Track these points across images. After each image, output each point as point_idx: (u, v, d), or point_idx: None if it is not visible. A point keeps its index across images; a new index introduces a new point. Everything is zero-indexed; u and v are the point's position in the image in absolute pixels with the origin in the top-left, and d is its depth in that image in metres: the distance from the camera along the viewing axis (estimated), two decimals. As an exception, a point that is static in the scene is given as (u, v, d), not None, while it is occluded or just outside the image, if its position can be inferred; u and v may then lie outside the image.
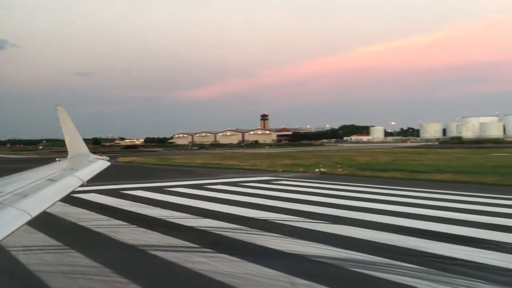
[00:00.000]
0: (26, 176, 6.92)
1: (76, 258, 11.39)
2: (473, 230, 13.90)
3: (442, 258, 10.78)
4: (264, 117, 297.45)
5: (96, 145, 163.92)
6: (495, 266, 10.06)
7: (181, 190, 26.31)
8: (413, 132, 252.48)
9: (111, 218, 17.25)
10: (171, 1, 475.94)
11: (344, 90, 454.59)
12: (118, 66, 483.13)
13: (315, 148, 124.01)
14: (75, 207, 19.34)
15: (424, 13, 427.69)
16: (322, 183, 29.10)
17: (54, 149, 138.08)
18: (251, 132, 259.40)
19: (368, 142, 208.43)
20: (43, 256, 11.77)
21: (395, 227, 14.50)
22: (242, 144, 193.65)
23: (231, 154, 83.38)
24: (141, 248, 12.33)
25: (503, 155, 58.38)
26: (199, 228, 15.14)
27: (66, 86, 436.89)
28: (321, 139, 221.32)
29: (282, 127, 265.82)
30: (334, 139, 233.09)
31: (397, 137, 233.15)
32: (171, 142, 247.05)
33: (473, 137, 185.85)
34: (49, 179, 6.46)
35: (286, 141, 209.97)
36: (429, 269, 9.79)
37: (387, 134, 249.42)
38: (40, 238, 13.23)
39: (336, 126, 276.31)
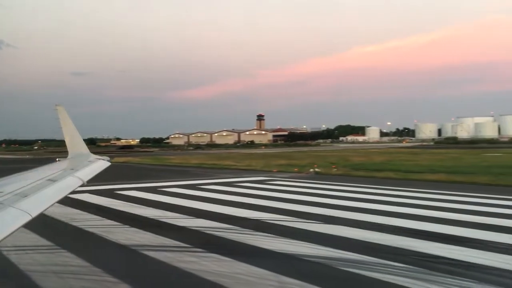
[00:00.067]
0: (27, 176, 6.91)
1: (67, 258, 11.39)
2: (466, 230, 13.96)
3: (435, 257, 10.83)
4: (260, 117, 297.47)
5: (91, 145, 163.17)
6: (488, 266, 10.09)
7: (175, 190, 26.31)
8: (408, 132, 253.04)
9: (104, 218, 17.24)
10: (169, 1, 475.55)
11: (340, 90, 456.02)
12: (114, 66, 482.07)
13: (311, 148, 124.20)
14: (69, 207, 19.29)
15: (421, 13, 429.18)
16: (316, 183, 29.16)
17: (50, 149, 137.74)
18: (247, 132, 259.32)
19: (363, 142, 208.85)
20: (34, 256, 11.76)
21: (388, 227, 14.56)
22: (238, 144, 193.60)
23: (226, 155, 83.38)
24: (133, 248, 12.34)
25: (497, 155, 58.68)
26: (192, 228, 15.16)
27: (62, 86, 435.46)
28: (317, 139, 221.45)
29: (278, 127, 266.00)
30: (330, 139, 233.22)
31: (392, 137, 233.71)
32: (167, 143, 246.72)
33: (468, 137, 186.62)
34: (49, 179, 6.46)
35: (282, 141, 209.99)
36: (422, 269, 9.83)
37: (382, 134, 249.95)
38: (32, 238, 13.19)
39: (332, 126, 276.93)
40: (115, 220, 16.76)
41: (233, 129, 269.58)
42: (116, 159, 62.44)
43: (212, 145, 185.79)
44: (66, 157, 12.97)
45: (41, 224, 14.58)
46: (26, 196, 4.86)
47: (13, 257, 11.26)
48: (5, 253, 11.51)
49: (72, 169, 8.50)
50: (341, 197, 22.37)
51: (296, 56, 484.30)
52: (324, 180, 31.78)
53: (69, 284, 9.36)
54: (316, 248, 11.83)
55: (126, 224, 15.89)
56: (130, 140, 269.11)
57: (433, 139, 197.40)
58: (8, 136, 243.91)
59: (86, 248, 12.52)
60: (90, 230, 15.02)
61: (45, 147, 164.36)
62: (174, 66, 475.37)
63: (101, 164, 11.01)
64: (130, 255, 11.76)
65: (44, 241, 13.21)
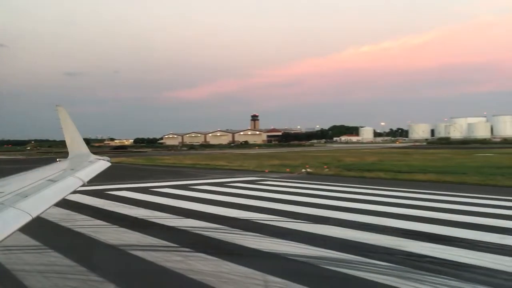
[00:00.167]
0: (27, 176, 6.91)
1: (54, 258, 11.42)
2: (456, 229, 14.03)
3: (424, 257, 10.87)
4: (254, 118, 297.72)
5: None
6: (477, 265, 10.12)
7: (167, 191, 26.31)
8: (402, 133, 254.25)
9: (94, 219, 17.24)
10: (162, 2, 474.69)
11: (335, 91, 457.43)
12: (107, 67, 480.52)
13: (304, 149, 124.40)
14: (58, 208, 19.21)
15: (415, 14, 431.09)
16: (307, 184, 29.27)
17: (43, 149, 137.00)
18: (241, 133, 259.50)
19: (357, 142, 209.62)
20: (22, 255, 11.74)
21: (378, 227, 14.64)
22: (232, 144, 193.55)
23: (219, 155, 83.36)
24: (121, 248, 12.37)
25: (488, 155, 59.07)
26: (180, 228, 15.20)
27: (56, 86, 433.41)
28: (311, 140, 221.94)
29: (272, 127, 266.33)
30: (324, 140, 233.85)
31: (386, 138, 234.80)
32: (161, 143, 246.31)
33: (461, 137, 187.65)
34: (49, 180, 6.46)
35: (276, 142, 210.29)
36: (410, 269, 9.87)
37: (376, 134, 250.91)
38: (20, 238, 13.14)
39: (326, 127, 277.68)
40: (104, 221, 16.77)
41: (227, 130, 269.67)
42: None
43: (206, 146, 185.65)
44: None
45: (31, 225, 14.57)
46: (26, 196, 4.87)
47: (0, 257, 11.26)
48: None
49: (73, 169, 8.49)
50: (331, 197, 22.48)
51: (290, 57, 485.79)
52: (315, 180, 31.89)
53: (53, 283, 9.39)
54: (304, 248, 11.89)
55: (115, 224, 15.90)
56: (124, 141, 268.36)
57: (426, 139, 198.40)
58: (1, 137, 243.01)
59: (74, 248, 12.54)
60: (79, 230, 15.03)
61: (38, 147, 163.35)
62: (168, 66, 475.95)
63: (101, 164, 11.03)
64: (117, 254, 11.79)
65: (32, 241, 13.16)
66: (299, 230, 14.43)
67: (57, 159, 12.01)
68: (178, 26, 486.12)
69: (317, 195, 23.24)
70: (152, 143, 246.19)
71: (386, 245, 12.11)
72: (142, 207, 19.86)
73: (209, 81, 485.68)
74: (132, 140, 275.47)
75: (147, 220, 16.76)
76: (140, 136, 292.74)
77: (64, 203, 20.31)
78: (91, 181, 8.15)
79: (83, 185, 7.22)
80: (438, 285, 8.82)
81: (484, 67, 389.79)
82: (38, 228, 14.90)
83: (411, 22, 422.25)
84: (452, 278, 9.18)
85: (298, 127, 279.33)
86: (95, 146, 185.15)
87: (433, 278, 9.22)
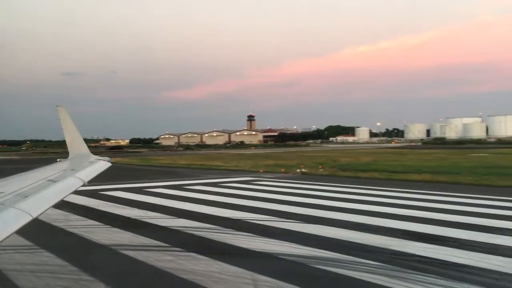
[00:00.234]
0: (27, 176, 6.91)
1: (46, 258, 11.42)
2: (449, 229, 14.06)
3: (416, 257, 10.89)
4: (250, 118, 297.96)
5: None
6: (470, 265, 10.15)
7: (161, 191, 26.29)
8: (398, 133, 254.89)
9: (87, 219, 17.22)
10: (160, 2, 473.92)
11: (331, 91, 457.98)
12: (105, 67, 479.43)
13: (300, 149, 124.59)
14: (52, 208, 19.18)
15: (412, 14, 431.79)
16: (302, 184, 29.32)
17: (38, 149, 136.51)
18: (238, 133, 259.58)
19: (353, 142, 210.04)
20: (14, 255, 11.71)
21: (371, 227, 14.66)
22: (228, 145, 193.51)
23: (215, 155, 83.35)
24: (113, 247, 12.37)
25: (483, 155, 59.33)
26: (173, 228, 15.21)
27: (53, 86, 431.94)
28: (307, 140, 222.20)
29: (268, 127, 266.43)
30: (320, 140, 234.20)
31: (382, 138, 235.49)
32: (157, 143, 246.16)
33: (456, 137, 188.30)
34: (49, 180, 6.49)
35: (272, 142, 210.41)
36: (402, 268, 9.89)
37: (372, 134, 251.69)
38: (12, 238, 13.11)
39: (323, 127, 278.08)
40: (97, 221, 16.75)
41: (223, 130, 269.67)
42: (104, 160, 61.36)
43: (202, 146, 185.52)
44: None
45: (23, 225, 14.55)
46: (26, 196, 4.89)
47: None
48: None
49: (73, 169, 8.50)
50: (325, 197, 22.52)
51: (287, 57, 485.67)
52: (310, 180, 31.94)
53: (45, 282, 9.39)
54: (296, 248, 11.90)
55: (108, 224, 15.90)
56: (120, 141, 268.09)
57: (421, 139, 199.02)
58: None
59: (66, 248, 12.52)
60: (72, 230, 15.01)
61: (33, 148, 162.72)
62: (167, 66, 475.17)
63: (101, 164, 11.03)
64: (108, 254, 11.79)
65: (24, 241, 13.13)
66: (292, 230, 14.44)
67: (58, 159, 12.02)
68: (178, 26, 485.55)
69: (311, 195, 23.28)
70: (148, 143, 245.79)
71: (379, 245, 12.11)
72: (135, 207, 19.85)
73: (208, 81, 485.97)
74: (128, 140, 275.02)
75: (140, 220, 16.76)
76: (137, 136, 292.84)
77: (58, 203, 20.29)
78: (91, 182, 8.16)
79: (83, 185, 7.24)
80: (430, 285, 8.83)
81: (484, 67, 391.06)
82: (31, 228, 14.90)
83: (409, 22, 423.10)
84: (445, 278, 9.19)
85: (294, 127, 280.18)
86: (91, 146, 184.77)
87: (426, 278, 9.23)
